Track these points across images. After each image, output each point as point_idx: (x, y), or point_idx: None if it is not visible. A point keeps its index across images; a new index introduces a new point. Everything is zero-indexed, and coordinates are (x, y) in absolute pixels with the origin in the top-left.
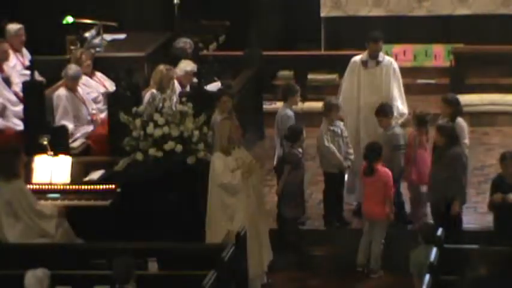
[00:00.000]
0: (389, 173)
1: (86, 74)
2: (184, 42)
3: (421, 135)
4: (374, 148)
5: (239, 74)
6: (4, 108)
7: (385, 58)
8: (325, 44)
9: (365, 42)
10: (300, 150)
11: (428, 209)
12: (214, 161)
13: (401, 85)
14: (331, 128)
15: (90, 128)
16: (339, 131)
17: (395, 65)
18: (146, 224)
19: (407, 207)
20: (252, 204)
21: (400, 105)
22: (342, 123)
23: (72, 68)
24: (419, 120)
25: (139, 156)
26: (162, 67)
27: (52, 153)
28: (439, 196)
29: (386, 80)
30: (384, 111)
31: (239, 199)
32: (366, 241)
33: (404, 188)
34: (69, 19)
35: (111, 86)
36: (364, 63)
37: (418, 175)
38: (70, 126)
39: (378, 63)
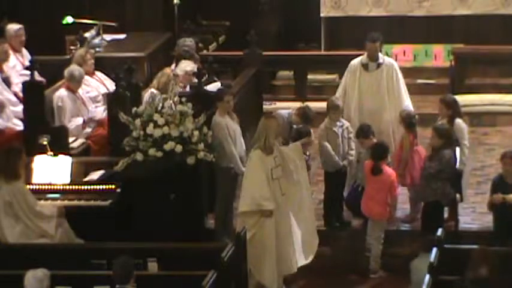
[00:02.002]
0: (394, 173)
1: (88, 73)
2: (190, 42)
3: (411, 137)
4: (380, 148)
5: (239, 74)
6: (3, 105)
7: (385, 60)
8: (325, 44)
9: (364, 43)
10: (308, 153)
11: None
12: (254, 160)
13: (405, 86)
14: (332, 127)
15: (89, 128)
16: (340, 131)
17: (397, 65)
18: (146, 224)
19: (407, 208)
20: (288, 203)
21: (410, 107)
22: (346, 124)
23: (77, 70)
24: (408, 122)
25: (139, 156)
26: (169, 70)
27: (52, 153)
28: (426, 196)
29: (388, 83)
30: (364, 132)
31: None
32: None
33: (404, 188)
34: (69, 19)
35: (111, 86)
36: (364, 66)
37: (411, 178)
38: (80, 121)
39: (379, 65)
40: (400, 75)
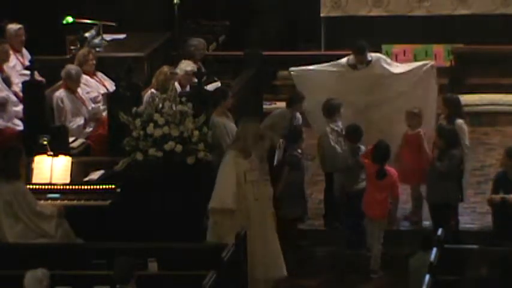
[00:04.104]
0: (396, 173)
1: (89, 73)
2: (198, 42)
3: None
4: (382, 148)
5: (239, 74)
6: (5, 103)
7: (372, 56)
8: (325, 44)
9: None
10: (300, 151)
11: (426, 210)
12: (226, 160)
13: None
14: (335, 128)
15: (90, 128)
16: (340, 130)
17: (384, 56)
18: (146, 224)
19: (408, 208)
20: (262, 207)
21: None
22: (340, 123)
23: (74, 69)
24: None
25: (139, 156)
26: (166, 69)
27: (52, 153)
28: (436, 196)
29: (383, 74)
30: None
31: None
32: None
33: (407, 188)
34: (69, 19)
35: (111, 86)
36: (352, 66)
37: (400, 175)
38: (82, 122)
39: (368, 63)
40: (388, 60)
